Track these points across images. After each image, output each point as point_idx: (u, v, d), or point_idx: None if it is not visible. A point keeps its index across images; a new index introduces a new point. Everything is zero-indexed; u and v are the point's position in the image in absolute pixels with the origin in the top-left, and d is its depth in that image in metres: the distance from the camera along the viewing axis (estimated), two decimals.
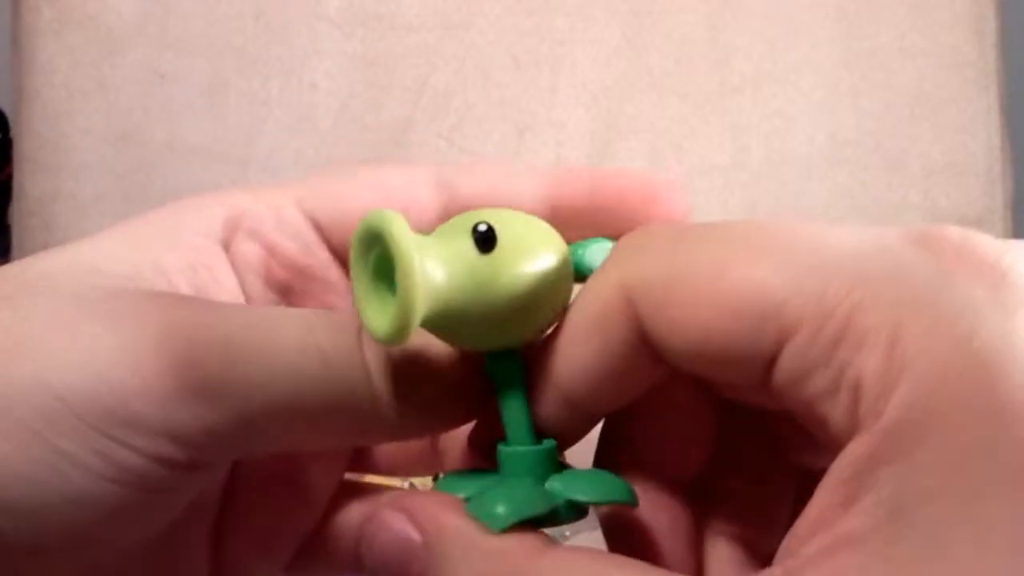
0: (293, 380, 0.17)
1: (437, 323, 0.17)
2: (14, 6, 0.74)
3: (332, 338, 0.18)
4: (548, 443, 0.19)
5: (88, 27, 0.72)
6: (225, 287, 0.21)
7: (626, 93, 0.75)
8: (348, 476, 0.24)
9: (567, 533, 0.67)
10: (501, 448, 0.19)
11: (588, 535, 0.23)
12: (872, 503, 0.14)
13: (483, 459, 0.20)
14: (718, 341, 0.17)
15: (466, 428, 0.22)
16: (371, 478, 0.26)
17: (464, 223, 0.18)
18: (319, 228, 0.21)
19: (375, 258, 0.17)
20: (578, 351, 0.18)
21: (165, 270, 0.20)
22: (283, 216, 0.21)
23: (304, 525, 0.23)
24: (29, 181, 0.73)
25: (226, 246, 0.21)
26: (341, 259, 0.21)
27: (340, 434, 0.19)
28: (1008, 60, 0.78)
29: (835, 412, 0.15)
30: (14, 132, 0.76)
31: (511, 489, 0.18)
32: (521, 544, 0.17)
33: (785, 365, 0.16)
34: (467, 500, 0.18)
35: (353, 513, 0.23)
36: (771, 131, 0.75)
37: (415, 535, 0.17)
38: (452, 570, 0.17)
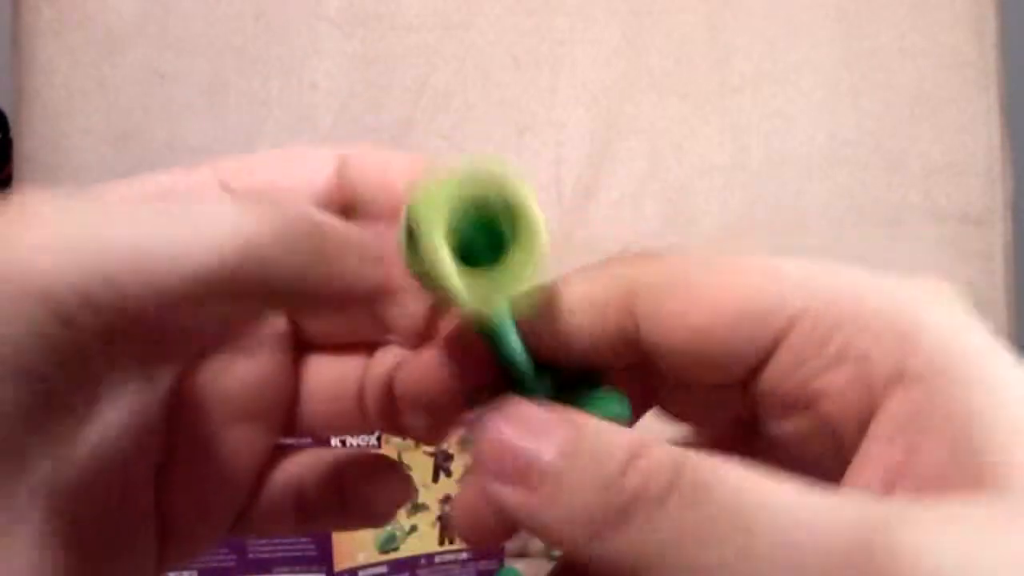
0: (151, 235, 0.17)
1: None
2: (14, 6, 0.74)
3: (203, 202, 0.19)
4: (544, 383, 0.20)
5: (88, 27, 0.73)
6: None
7: (626, 93, 0.75)
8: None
9: None
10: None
11: None
12: (944, 449, 0.16)
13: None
14: (717, 339, 0.19)
15: (381, 387, 0.23)
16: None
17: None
18: (236, 200, 0.22)
19: (468, 218, 0.18)
20: (574, 319, 0.20)
21: None
22: (199, 186, 0.22)
23: (240, 486, 0.24)
24: (29, 180, 0.73)
25: None
26: None
27: (221, 286, 0.18)
28: (1008, 60, 0.78)
29: (838, 383, 0.18)
30: (14, 132, 0.77)
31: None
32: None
33: (783, 356, 0.18)
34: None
35: (287, 473, 0.24)
36: (771, 131, 0.75)
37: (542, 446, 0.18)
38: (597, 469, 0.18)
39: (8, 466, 0.18)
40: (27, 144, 0.74)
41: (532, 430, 0.18)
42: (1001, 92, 0.78)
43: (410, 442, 0.59)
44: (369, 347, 0.24)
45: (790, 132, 0.76)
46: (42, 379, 0.17)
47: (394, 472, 0.25)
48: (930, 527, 0.15)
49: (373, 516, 0.25)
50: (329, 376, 0.25)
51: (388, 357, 0.24)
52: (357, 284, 0.20)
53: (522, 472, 0.18)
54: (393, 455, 0.59)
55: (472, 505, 0.21)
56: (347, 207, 0.22)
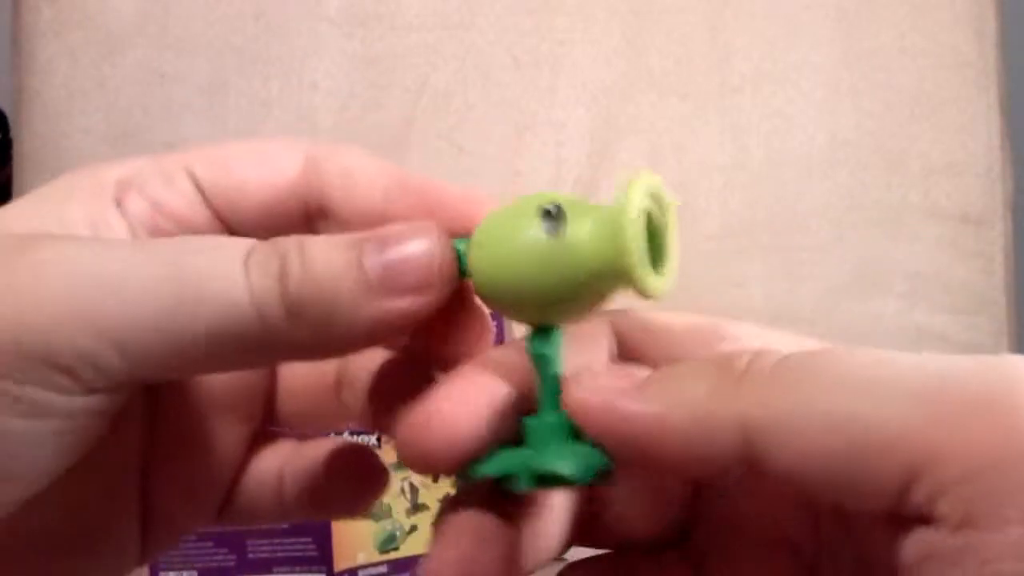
0: (155, 306, 0.18)
1: (498, 294, 0.20)
2: (14, 6, 0.74)
3: (200, 260, 0.19)
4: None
5: (88, 27, 0.73)
6: (118, 237, 0.22)
7: (626, 93, 0.75)
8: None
9: None
10: (528, 420, 0.20)
11: None
12: None
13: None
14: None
15: (366, 384, 0.23)
16: None
17: (530, 204, 0.19)
18: (201, 189, 0.22)
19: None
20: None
21: (67, 224, 0.21)
22: (170, 177, 0.22)
23: (221, 475, 0.24)
24: (29, 180, 0.73)
25: (119, 203, 0.22)
26: (220, 217, 0.22)
27: (232, 358, 0.19)
28: (1008, 60, 0.78)
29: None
30: (14, 132, 0.77)
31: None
32: None
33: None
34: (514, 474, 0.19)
35: (269, 462, 0.25)
36: (771, 131, 0.75)
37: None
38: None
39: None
40: (27, 144, 0.74)
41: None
42: (1001, 92, 0.77)
43: None
44: None
45: (790, 132, 0.75)
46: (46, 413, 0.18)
47: (371, 462, 0.25)
48: None
49: (350, 506, 0.25)
50: (304, 370, 0.25)
51: (371, 355, 0.24)
52: (364, 324, 0.19)
53: (622, 379, 0.18)
54: (392, 454, 0.59)
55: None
56: (312, 205, 0.22)
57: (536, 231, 0.19)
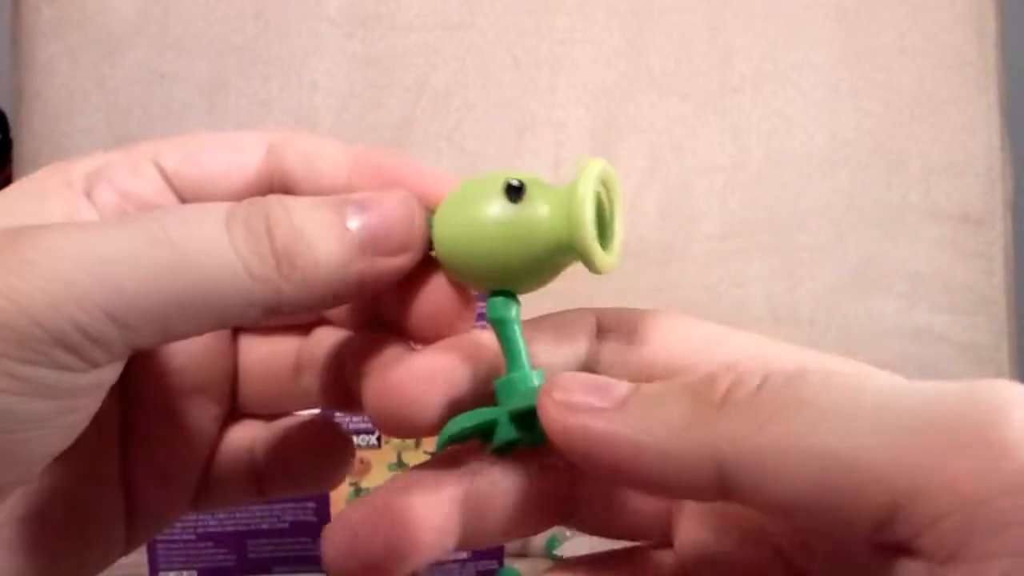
0: (145, 275, 0.18)
1: (460, 262, 0.21)
2: (14, 6, 0.74)
3: (182, 227, 0.19)
4: (539, 373, 0.21)
5: (88, 27, 0.73)
6: None
7: (626, 93, 0.75)
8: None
9: (567, 534, 0.67)
10: (498, 381, 0.21)
11: (588, 538, 0.24)
12: None
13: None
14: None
15: (323, 366, 0.24)
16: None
17: (496, 179, 0.20)
18: (168, 178, 0.23)
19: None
20: (545, 337, 0.21)
21: (45, 220, 0.21)
22: (136, 167, 0.23)
23: (196, 457, 0.25)
24: None
25: (88, 195, 0.22)
26: (187, 203, 0.23)
27: (216, 315, 0.20)
28: (1008, 60, 0.78)
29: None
30: (14, 132, 0.77)
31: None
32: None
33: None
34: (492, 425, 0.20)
35: (239, 440, 0.26)
36: (771, 131, 0.75)
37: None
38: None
39: None
40: (27, 144, 0.74)
41: (604, 379, 0.19)
42: (1001, 92, 0.78)
43: (410, 442, 0.59)
44: (302, 327, 0.25)
45: (790, 132, 0.76)
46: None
47: (337, 437, 0.26)
48: None
49: (318, 481, 0.26)
50: (263, 354, 0.26)
51: (328, 337, 0.24)
52: (356, 279, 0.20)
53: (603, 395, 0.18)
54: (392, 454, 0.59)
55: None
56: (277, 189, 0.23)
57: (499, 203, 0.20)
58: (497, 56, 0.74)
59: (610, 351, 0.21)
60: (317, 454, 0.26)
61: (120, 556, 0.24)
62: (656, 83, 0.75)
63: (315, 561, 0.60)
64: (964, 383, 0.16)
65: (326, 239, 0.19)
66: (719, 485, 0.17)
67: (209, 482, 0.25)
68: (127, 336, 0.19)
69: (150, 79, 0.72)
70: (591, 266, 0.20)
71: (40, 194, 0.22)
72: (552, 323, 0.21)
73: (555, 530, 0.67)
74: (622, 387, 0.18)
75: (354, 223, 0.20)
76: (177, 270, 0.18)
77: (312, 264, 0.19)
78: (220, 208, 0.20)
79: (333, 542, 0.19)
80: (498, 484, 0.20)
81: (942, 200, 0.76)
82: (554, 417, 0.18)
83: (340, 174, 0.22)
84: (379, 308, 0.23)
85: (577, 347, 0.21)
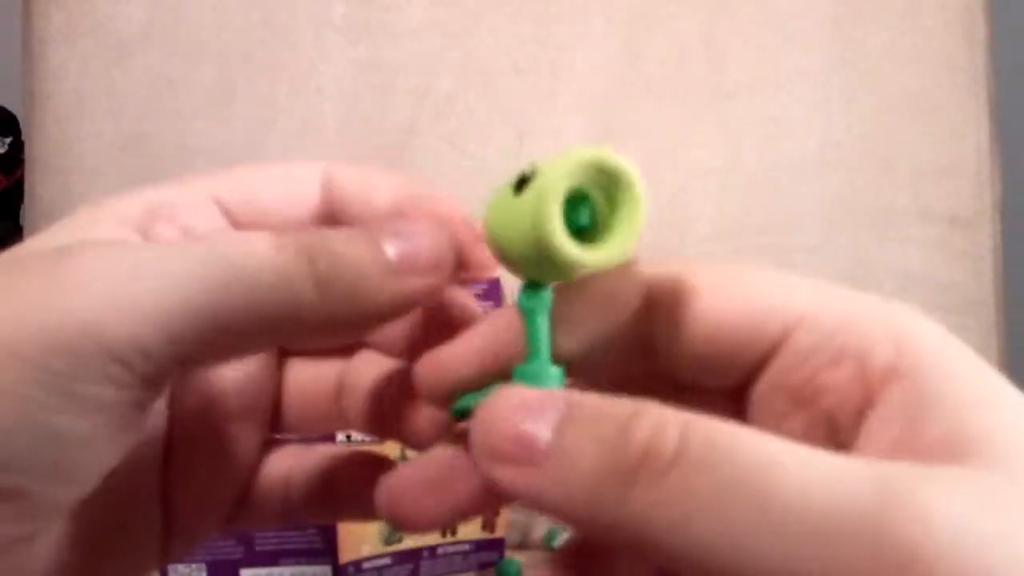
0: (196, 289, 0.19)
1: (496, 252, 0.21)
2: (25, 12, 0.74)
3: (235, 247, 0.20)
4: (557, 369, 0.21)
5: (98, 33, 0.73)
6: None
7: (624, 99, 0.75)
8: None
9: (564, 532, 0.68)
10: (516, 368, 0.21)
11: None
12: (939, 429, 0.17)
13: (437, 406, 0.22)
14: (724, 340, 0.19)
15: (365, 391, 0.24)
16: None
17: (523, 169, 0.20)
18: (228, 213, 0.23)
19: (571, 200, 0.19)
20: (590, 317, 0.21)
21: None
22: (194, 203, 0.23)
23: (236, 479, 0.25)
24: (40, 183, 0.74)
25: (144, 232, 0.22)
26: None
27: (267, 334, 0.20)
28: (997, 65, 0.79)
29: (839, 379, 0.19)
30: (25, 135, 0.77)
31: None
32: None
33: (787, 355, 0.19)
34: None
35: (277, 467, 0.26)
36: (765, 135, 0.76)
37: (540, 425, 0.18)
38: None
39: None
40: (38, 147, 0.74)
41: (530, 410, 0.18)
42: (990, 96, 0.78)
43: None
44: (345, 350, 0.26)
45: (783, 136, 0.76)
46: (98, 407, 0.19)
47: (386, 469, 0.26)
48: (941, 489, 0.15)
49: (365, 512, 0.26)
50: (307, 378, 0.26)
51: (369, 363, 0.25)
52: (390, 301, 0.21)
53: (523, 450, 0.17)
54: (395, 448, 0.59)
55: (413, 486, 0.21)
56: (332, 220, 0.24)
57: (508, 195, 0.20)
58: (498, 63, 0.74)
59: (663, 316, 0.20)
60: (363, 487, 0.25)
61: (157, 566, 0.24)
62: (653, 89, 0.75)
63: (321, 554, 0.60)
64: (865, 480, 0.16)
65: (365, 263, 0.20)
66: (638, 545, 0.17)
67: (245, 504, 0.25)
68: (180, 352, 0.19)
69: (159, 84, 0.73)
70: (559, 259, 0.19)
71: (91, 227, 0.21)
72: (597, 289, 0.21)
73: (554, 522, 0.68)
74: (544, 437, 0.17)
75: (389, 248, 0.21)
76: (230, 287, 0.19)
77: (353, 286, 0.20)
78: (266, 235, 0.20)
79: (382, 508, 0.21)
80: None
81: (932, 202, 0.76)
82: (485, 467, 0.18)
83: (389, 203, 0.23)
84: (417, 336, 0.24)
85: (621, 314, 0.20)
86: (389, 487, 0.21)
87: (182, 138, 0.73)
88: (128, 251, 0.19)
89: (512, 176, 0.20)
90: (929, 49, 0.77)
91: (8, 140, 1.16)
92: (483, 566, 0.64)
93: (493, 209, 0.21)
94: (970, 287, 0.77)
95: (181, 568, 0.60)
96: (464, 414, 0.21)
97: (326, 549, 0.60)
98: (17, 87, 0.76)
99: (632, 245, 0.19)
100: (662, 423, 0.17)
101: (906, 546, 0.15)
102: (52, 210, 0.73)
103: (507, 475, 0.18)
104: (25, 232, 0.75)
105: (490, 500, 0.20)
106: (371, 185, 0.24)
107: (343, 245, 0.20)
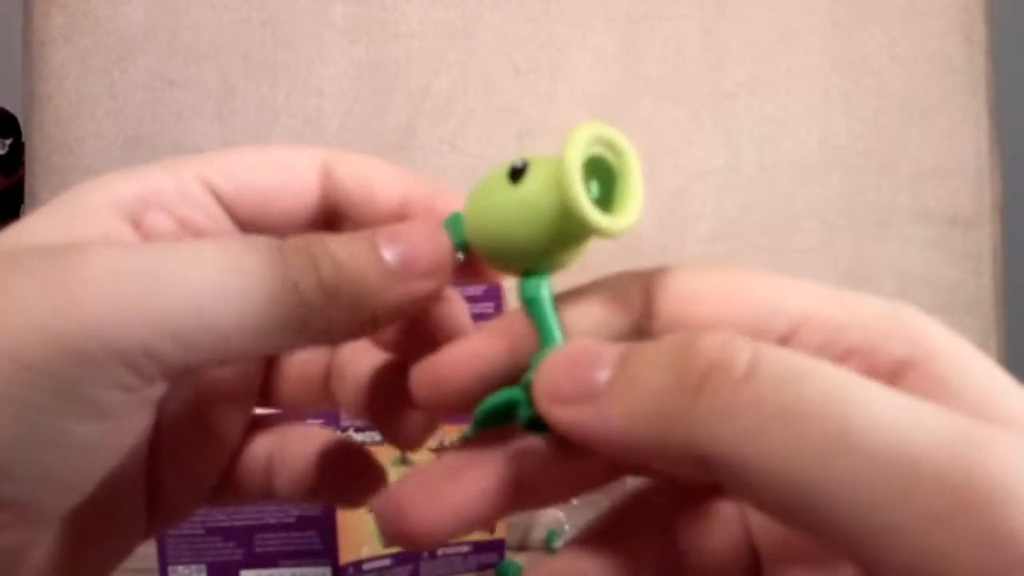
0: (203, 294, 0.19)
1: (485, 250, 0.21)
2: (26, 13, 0.74)
3: (242, 252, 0.20)
4: None
5: (98, 34, 0.73)
6: None
7: (623, 98, 0.75)
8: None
9: (566, 527, 0.68)
10: (534, 356, 0.20)
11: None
12: (968, 408, 0.17)
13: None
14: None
15: (353, 377, 0.25)
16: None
17: (505, 164, 0.21)
18: (222, 201, 0.23)
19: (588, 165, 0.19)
20: (592, 307, 0.21)
21: (88, 238, 0.21)
22: (186, 189, 0.22)
23: (221, 459, 0.25)
24: (40, 184, 0.74)
25: (136, 219, 0.22)
26: (244, 229, 0.23)
27: (270, 338, 0.20)
28: (997, 65, 0.79)
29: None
30: (26, 136, 0.77)
31: None
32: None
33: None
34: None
35: (262, 446, 0.26)
36: (764, 135, 0.76)
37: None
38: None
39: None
40: (38, 147, 0.74)
41: (590, 353, 0.18)
42: (990, 97, 0.78)
43: None
44: None
45: (783, 136, 0.76)
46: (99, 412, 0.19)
47: (369, 464, 0.26)
48: (1018, 441, 0.15)
49: (341, 501, 0.27)
50: (298, 360, 0.26)
51: (357, 349, 0.25)
52: (391, 304, 0.21)
53: (585, 388, 0.17)
54: (396, 451, 0.59)
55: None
56: (330, 211, 0.24)
57: (503, 187, 0.20)
58: (498, 63, 0.74)
59: (663, 317, 0.20)
60: (342, 476, 0.26)
61: (141, 542, 0.25)
62: (652, 89, 0.75)
63: (321, 555, 0.60)
64: (947, 434, 0.15)
65: (365, 269, 0.20)
66: (707, 475, 0.16)
67: (229, 481, 0.26)
68: (186, 355, 0.19)
69: (159, 84, 0.73)
70: (593, 229, 0.19)
71: (82, 214, 0.21)
72: (598, 291, 0.21)
73: (554, 524, 0.68)
74: (605, 367, 0.18)
75: (387, 253, 0.21)
76: (238, 293, 0.19)
77: (355, 291, 0.20)
78: (271, 240, 0.20)
79: (383, 515, 0.20)
80: (540, 450, 0.20)
81: (931, 203, 0.77)
82: (546, 410, 0.18)
83: (394, 198, 0.23)
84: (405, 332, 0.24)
85: (625, 316, 0.20)
86: (390, 495, 0.21)
87: (182, 138, 0.73)
88: (134, 254, 0.19)
89: (491, 171, 0.21)
90: (929, 50, 0.77)
91: (8, 141, 1.16)
92: (483, 567, 0.64)
93: (480, 202, 0.21)
94: (970, 287, 0.77)
95: (181, 569, 0.60)
96: (487, 422, 0.21)
97: (326, 550, 0.60)
98: (17, 88, 0.76)
99: (640, 208, 0.19)
100: (731, 340, 0.16)
101: (996, 488, 0.14)
102: None
103: (569, 414, 0.18)
104: None
105: (495, 505, 0.20)
106: (372, 178, 0.23)
107: (342, 251, 0.20)
